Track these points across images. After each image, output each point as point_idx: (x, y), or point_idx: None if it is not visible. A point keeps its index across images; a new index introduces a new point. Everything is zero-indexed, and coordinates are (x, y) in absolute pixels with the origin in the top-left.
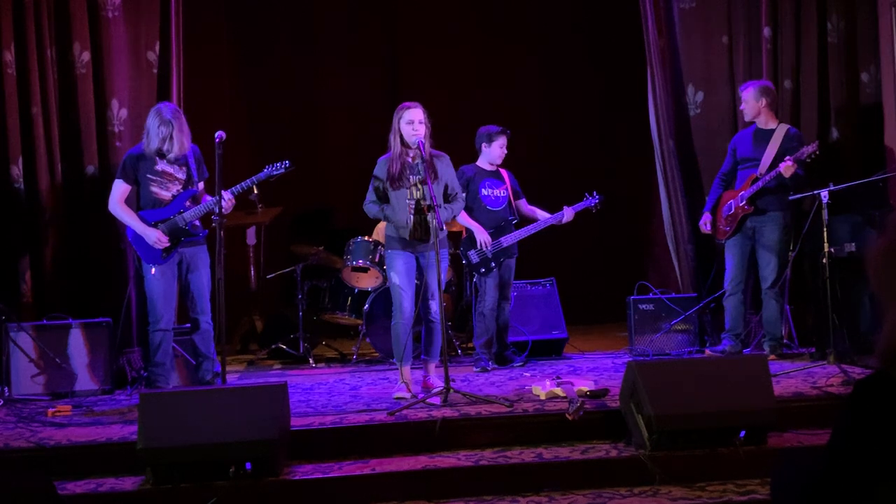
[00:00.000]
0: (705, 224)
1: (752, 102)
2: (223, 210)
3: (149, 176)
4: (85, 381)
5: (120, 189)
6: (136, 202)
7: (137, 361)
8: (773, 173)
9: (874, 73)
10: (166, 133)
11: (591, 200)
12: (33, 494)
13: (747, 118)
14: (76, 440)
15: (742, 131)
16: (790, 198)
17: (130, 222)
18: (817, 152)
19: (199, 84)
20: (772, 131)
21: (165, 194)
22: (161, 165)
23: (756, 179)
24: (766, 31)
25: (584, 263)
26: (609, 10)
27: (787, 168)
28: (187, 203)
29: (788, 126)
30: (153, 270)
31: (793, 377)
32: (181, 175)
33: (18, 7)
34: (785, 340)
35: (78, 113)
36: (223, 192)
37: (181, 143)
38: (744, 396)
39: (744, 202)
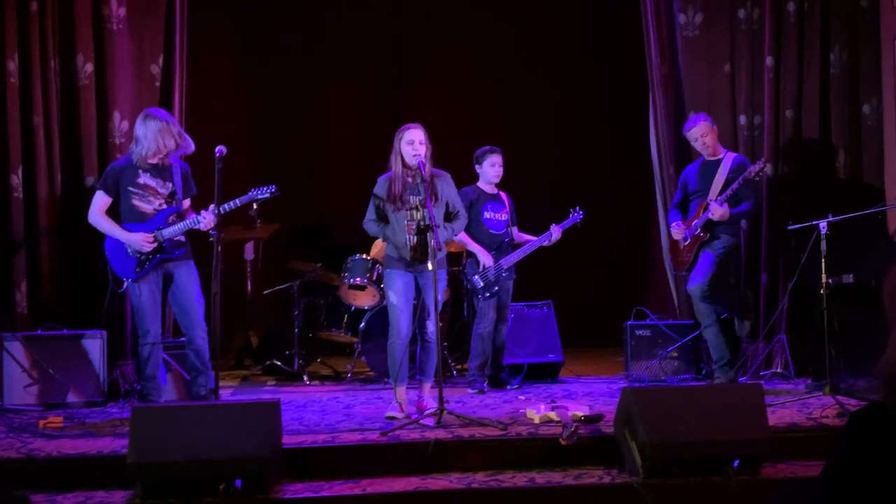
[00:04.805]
0: (680, 232)
1: (711, 136)
2: (202, 227)
3: (130, 188)
4: (77, 392)
5: (100, 201)
6: (117, 216)
7: (131, 374)
8: (711, 209)
9: (876, 106)
10: (166, 129)
11: (576, 217)
12: None
13: (709, 153)
14: (67, 452)
15: (690, 166)
16: (789, 227)
17: (112, 231)
18: (765, 169)
19: (202, 97)
20: (718, 161)
21: (147, 207)
22: (144, 178)
23: (707, 206)
24: (769, 61)
25: (583, 287)
26: (615, 37)
27: (714, 211)
28: (170, 219)
29: (733, 154)
30: (137, 286)
31: (788, 407)
32: (163, 190)
33: (23, 17)
34: (780, 370)
35: (79, 124)
36: (204, 211)
37: (181, 137)
38: (738, 425)
39: (699, 230)
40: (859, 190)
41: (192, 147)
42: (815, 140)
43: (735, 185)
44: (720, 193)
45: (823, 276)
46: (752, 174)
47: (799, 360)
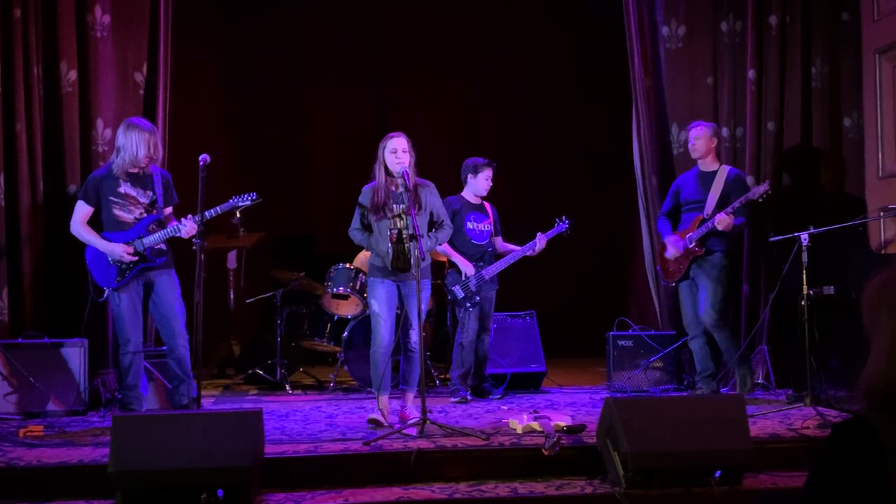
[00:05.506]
0: (677, 249)
1: (704, 141)
2: (183, 235)
3: (111, 198)
4: (58, 401)
5: (82, 211)
6: (99, 225)
7: (112, 383)
8: (713, 220)
9: (857, 119)
10: (149, 139)
11: (562, 226)
12: None
13: (696, 155)
14: (47, 461)
15: (684, 174)
16: (770, 239)
17: (93, 241)
18: (769, 192)
19: (186, 106)
20: (714, 173)
21: (128, 217)
22: (124, 188)
23: (703, 221)
24: (751, 74)
25: (566, 297)
26: (600, 49)
27: (721, 221)
28: (151, 227)
29: (729, 167)
30: (118, 294)
31: (769, 418)
32: (144, 199)
33: (6, 23)
34: (761, 381)
35: (62, 132)
36: (184, 219)
37: (156, 148)
38: (720, 436)
39: (693, 244)
40: (840, 202)
41: (160, 157)
42: (796, 152)
43: (737, 204)
44: (717, 206)
45: (805, 287)
46: (756, 196)
47: (780, 372)
